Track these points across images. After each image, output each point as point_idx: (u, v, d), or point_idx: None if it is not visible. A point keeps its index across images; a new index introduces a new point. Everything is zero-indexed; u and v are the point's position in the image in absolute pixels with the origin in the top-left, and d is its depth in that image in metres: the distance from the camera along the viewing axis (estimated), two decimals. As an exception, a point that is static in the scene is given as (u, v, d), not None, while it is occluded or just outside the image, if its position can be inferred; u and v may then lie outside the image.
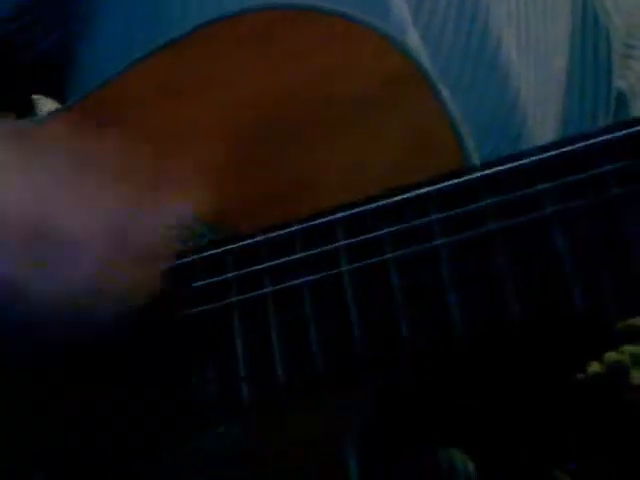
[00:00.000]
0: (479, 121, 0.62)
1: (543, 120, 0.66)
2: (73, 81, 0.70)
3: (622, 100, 0.72)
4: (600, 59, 0.71)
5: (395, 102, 0.51)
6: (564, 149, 0.44)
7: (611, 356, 0.57)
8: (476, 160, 0.48)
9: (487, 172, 0.45)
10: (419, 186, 0.46)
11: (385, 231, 0.46)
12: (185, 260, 0.51)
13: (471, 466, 0.60)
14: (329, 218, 0.48)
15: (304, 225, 0.48)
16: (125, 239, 0.48)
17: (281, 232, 0.48)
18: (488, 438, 0.57)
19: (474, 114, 0.62)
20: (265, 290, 0.48)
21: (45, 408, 0.51)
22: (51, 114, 0.63)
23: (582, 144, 0.43)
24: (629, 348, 0.57)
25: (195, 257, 0.50)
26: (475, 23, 0.63)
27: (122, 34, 0.65)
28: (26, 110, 0.70)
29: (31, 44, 0.70)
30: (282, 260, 0.48)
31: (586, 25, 0.72)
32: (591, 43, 0.71)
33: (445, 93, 0.50)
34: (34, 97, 0.70)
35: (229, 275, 0.49)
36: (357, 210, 0.47)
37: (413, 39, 0.60)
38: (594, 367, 0.57)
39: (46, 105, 0.70)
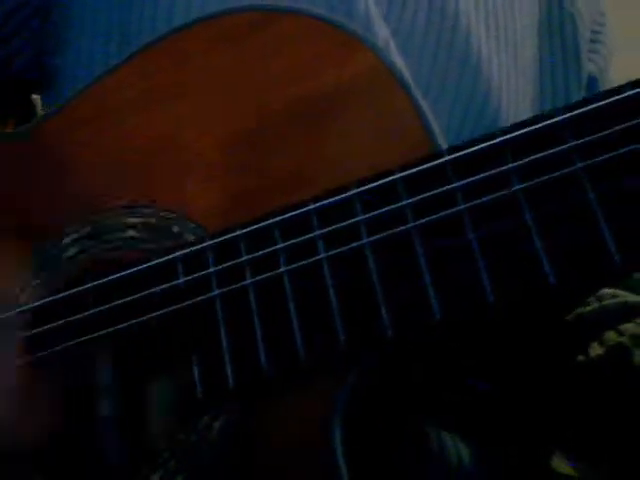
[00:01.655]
0: (454, 111, 0.63)
1: (517, 105, 0.67)
2: (50, 96, 0.71)
3: (593, 83, 0.74)
4: (567, 43, 0.73)
5: (364, 97, 0.52)
6: (528, 128, 0.45)
7: (611, 337, 0.57)
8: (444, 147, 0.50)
9: (454, 155, 0.46)
10: (391, 173, 0.47)
11: (359, 218, 0.47)
12: (168, 257, 0.52)
13: (465, 453, 0.61)
14: (305, 209, 0.49)
15: (281, 217, 0.49)
16: None
17: (260, 225, 0.50)
18: (486, 425, 0.58)
19: (449, 105, 0.63)
20: (246, 281, 0.49)
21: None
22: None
23: (546, 122, 0.45)
24: (629, 328, 0.57)
25: (177, 254, 0.51)
26: (445, 12, 0.65)
27: (97, 46, 0.67)
28: (26, 110, 0.70)
29: (5, 62, 0.71)
30: (262, 252, 0.49)
31: (552, 11, 0.73)
32: (558, 28, 0.73)
33: (413, 84, 0.51)
34: (33, 97, 0.70)
35: (211, 270, 0.50)
36: (331, 200, 0.48)
37: (380, 34, 0.61)
38: (595, 349, 0.57)
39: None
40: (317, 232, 0.48)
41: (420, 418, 0.57)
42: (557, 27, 0.73)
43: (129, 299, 0.52)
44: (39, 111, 0.71)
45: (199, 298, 0.50)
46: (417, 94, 0.51)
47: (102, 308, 0.53)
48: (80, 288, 0.55)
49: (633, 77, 0.45)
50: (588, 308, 0.59)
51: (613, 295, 0.60)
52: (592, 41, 0.75)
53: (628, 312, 0.59)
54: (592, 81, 0.74)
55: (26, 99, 0.74)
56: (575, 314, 0.59)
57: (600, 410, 0.56)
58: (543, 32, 0.73)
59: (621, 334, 0.57)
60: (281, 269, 0.49)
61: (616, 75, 0.75)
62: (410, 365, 0.51)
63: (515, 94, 0.68)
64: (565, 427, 0.58)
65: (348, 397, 0.47)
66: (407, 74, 0.52)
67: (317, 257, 0.48)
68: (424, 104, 0.50)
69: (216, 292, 0.50)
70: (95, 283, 0.54)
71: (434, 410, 0.57)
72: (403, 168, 0.47)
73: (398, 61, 0.60)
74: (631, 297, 0.60)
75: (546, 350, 0.58)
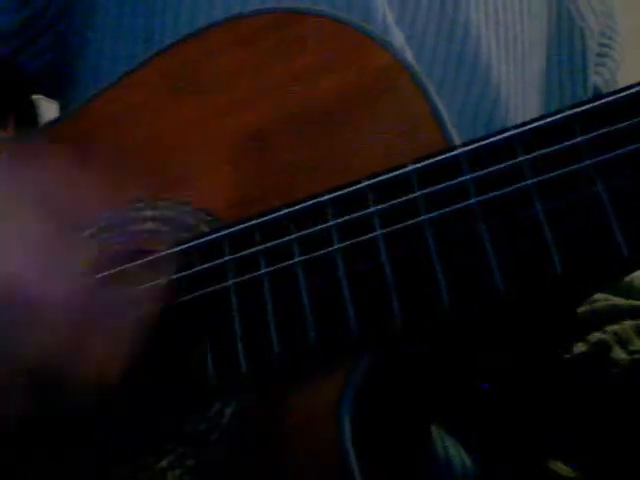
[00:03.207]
0: (464, 117, 0.65)
1: (524, 115, 0.69)
2: (71, 97, 0.73)
3: (597, 94, 0.75)
4: (576, 57, 0.74)
5: (381, 95, 0.54)
6: (540, 122, 0.46)
7: (595, 335, 0.58)
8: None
9: (467, 148, 0.47)
10: (404, 166, 0.49)
11: (373, 209, 0.48)
12: (184, 247, 0.53)
13: (466, 456, 0.61)
14: (319, 200, 0.50)
15: (296, 208, 0.50)
16: (95, 305, 0.49)
17: (274, 215, 0.51)
18: (488, 430, 0.58)
19: (459, 111, 0.65)
20: (261, 271, 0.50)
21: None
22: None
23: (553, 118, 0.46)
24: (613, 327, 0.58)
25: (193, 244, 0.53)
26: (456, 20, 0.66)
27: (120, 48, 0.68)
28: (27, 110, 0.72)
29: (28, 62, 0.73)
30: (276, 241, 0.50)
31: (561, 25, 0.75)
32: (567, 42, 0.75)
33: (428, 83, 0.52)
34: (34, 97, 0.72)
35: (226, 258, 0.51)
36: (345, 191, 0.50)
37: (396, 39, 0.63)
38: (580, 347, 0.58)
39: (45, 105, 0.72)
40: (331, 223, 0.49)
41: (425, 421, 0.57)
42: (566, 41, 0.74)
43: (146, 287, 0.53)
44: (39, 112, 0.73)
45: (214, 287, 0.51)
46: (434, 94, 0.52)
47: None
48: (97, 277, 0.56)
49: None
50: (580, 310, 0.60)
51: (605, 299, 0.61)
52: (599, 55, 0.77)
53: (617, 315, 0.60)
54: (597, 93, 0.75)
55: (26, 99, 0.76)
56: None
57: (586, 409, 0.57)
58: (552, 46, 0.74)
59: (605, 333, 0.58)
60: (295, 259, 0.50)
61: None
62: (415, 368, 0.52)
63: (522, 104, 0.69)
64: (563, 428, 0.59)
65: (355, 396, 0.48)
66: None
67: (331, 248, 0.49)
68: (440, 104, 0.52)
69: (231, 281, 0.51)
70: (112, 271, 0.55)
71: (438, 413, 0.57)
72: (416, 161, 0.48)
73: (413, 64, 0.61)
74: (621, 301, 0.61)
75: (541, 350, 0.59)
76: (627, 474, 0.56)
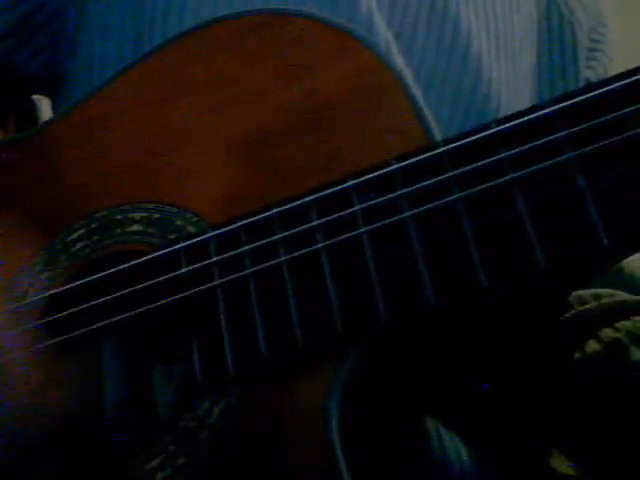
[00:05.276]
0: (455, 111, 0.65)
1: (515, 109, 0.69)
2: (61, 99, 0.73)
3: None
4: (566, 51, 0.75)
5: (364, 97, 0.54)
6: (520, 119, 0.46)
7: (607, 334, 0.57)
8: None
9: (449, 146, 0.47)
10: (387, 165, 0.49)
11: (356, 208, 0.49)
12: (171, 249, 0.53)
13: (464, 453, 0.61)
14: (304, 200, 0.50)
15: (281, 208, 0.51)
16: None
17: (260, 216, 0.51)
18: (486, 425, 0.58)
19: (450, 104, 0.65)
20: (246, 271, 0.50)
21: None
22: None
23: (537, 114, 0.46)
24: (626, 325, 0.57)
25: (180, 245, 0.53)
26: (446, 16, 0.67)
27: (110, 50, 0.69)
28: (27, 110, 0.72)
29: (22, 64, 0.73)
30: (262, 242, 0.50)
31: (551, 20, 0.75)
32: (557, 36, 0.75)
33: (413, 83, 0.53)
34: (34, 97, 0.72)
35: (212, 259, 0.51)
36: (329, 191, 0.50)
37: (382, 36, 0.63)
38: (592, 346, 0.57)
39: (45, 105, 0.72)
40: (315, 223, 0.50)
41: (421, 417, 0.57)
42: (557, 35, 0.75)
43: (134, 289, 0.54)
44: (39, 111, 0.74)
45: (201, 287, 0.51)
46: (417, 94, 0.52)
47: (108, 298, 0.54)
48: (87, 279, 0.56)
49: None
50: (586, 306, 0.59)
51: (611, 295, 0.60)
52: (591, 50, 0.77)
53: (625, 310, 0.59)
54: None
55: (26, 99, 0.76)
56: (573, 312, 0.59)
57: (597, 407, 0.56)
58: (542, 41, 0.75)
59: (617, 330, 0.57)
60: (280, 259, 0.50)
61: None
62: (412, 366, 0.52)
63: (514, 98, 0.69)
64: (564, 426, 0.58)
65: (343, 394, 0.48)
66: (408, 74, 0.53)
67: (316, 247, 0.49)
68: (423, 104, 0.52)
69: (217, 281, 0.51)
70: (101, 274, 0.55)
71: (435, 409, 0.57)
72: (399, 159, 0.49)
73: (399, 62, 0.62)
74: (629, 297, 0.60)
75: (544, 349, 0.58)
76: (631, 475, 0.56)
